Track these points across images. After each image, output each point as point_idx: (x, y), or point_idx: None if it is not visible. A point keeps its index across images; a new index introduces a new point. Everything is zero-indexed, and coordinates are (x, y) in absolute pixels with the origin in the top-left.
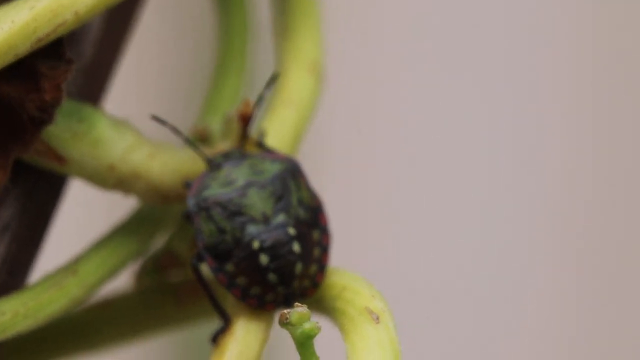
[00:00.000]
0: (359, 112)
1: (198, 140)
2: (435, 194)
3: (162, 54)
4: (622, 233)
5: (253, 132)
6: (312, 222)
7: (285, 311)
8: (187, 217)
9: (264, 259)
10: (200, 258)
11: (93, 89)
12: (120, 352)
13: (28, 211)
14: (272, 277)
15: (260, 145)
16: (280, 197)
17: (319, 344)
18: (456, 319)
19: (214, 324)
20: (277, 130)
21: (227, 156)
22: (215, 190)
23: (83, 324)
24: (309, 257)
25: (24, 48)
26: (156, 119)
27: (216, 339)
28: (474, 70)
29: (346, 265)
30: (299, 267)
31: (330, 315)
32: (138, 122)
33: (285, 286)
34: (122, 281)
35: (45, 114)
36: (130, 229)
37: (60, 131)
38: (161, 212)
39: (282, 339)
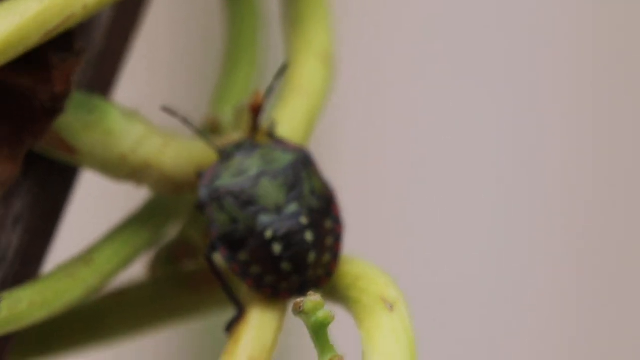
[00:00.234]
0: (370, 102)
1: (209, 130)
2: (448, 184)
3: (172, 45)
4: (622, 233)
5: (264, 122)
6: (324, 211)
7: (299, 300)
8: (200, 207)
9: (277, 248)
10: (213, 248)
11: (103, 79)
12: (136, 341)
13: (40, 202)
14: (285, 265)
15: (271, 135)
16: (292, 187)
17: (334, 333)
18: (465, 307)
19: (228, 313)
20: (288, 120)
21: (238, 146)
22: (227, 180)
23: (97, 313)
24: (322, 246)
25: (33, 40)
26: (167, 109)
27: (230, 327)
28: (485, 62)
29: (359, 254)
30: (312, 256)
31: (344, 303)
32: (148, 112)
33: (299, 275)
34: (136, 271)
35: (56, 105)
36: (143, 219)
37: (71, 122)
38: (174, 202)
39: (298, 325)
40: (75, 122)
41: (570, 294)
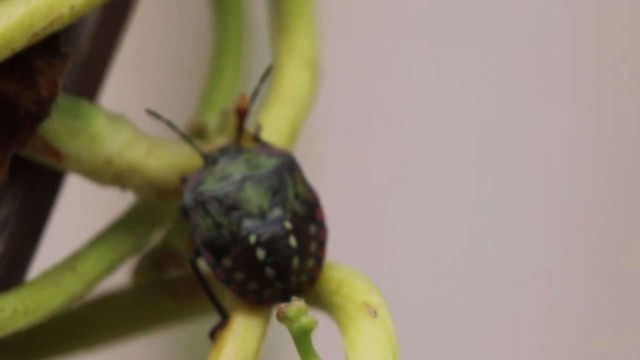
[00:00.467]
0: (355, 107)
1: (194, 135)
2: (431, 189)
3: (158, 49)
4: (622, 233)
5: (249, 126)
6: (308, 217)
7: (283, 305)
8: (184, 212)
9: (260, 253)
10: (198, 253)
11: (88, 83)
12: (120, 349)
13: (26, 207)
14: (269, 271)
15: (257, 139)
16: (276, 192)
17: (317, 339)
18: (449, 314)
19: (212, 319)
20: (273, 125)
21: (223, 151)
22: (212, 185)
23: (81, 320)
24: (306, 252)
25: (20, 43)
26: (152, 113)
27: (214, 334)
28: (471, 69)
29: (342, 260)
30: (295, 262)
31: (327, 310)
32: (134, 117)
33: (283, 281)
34: (120, 277)
35: (41, 110)
36: (128, 225)
37: (57, 127)
38: (158, 207)
39: (281, 334)
40: (61, 127)
41: (561, 296)
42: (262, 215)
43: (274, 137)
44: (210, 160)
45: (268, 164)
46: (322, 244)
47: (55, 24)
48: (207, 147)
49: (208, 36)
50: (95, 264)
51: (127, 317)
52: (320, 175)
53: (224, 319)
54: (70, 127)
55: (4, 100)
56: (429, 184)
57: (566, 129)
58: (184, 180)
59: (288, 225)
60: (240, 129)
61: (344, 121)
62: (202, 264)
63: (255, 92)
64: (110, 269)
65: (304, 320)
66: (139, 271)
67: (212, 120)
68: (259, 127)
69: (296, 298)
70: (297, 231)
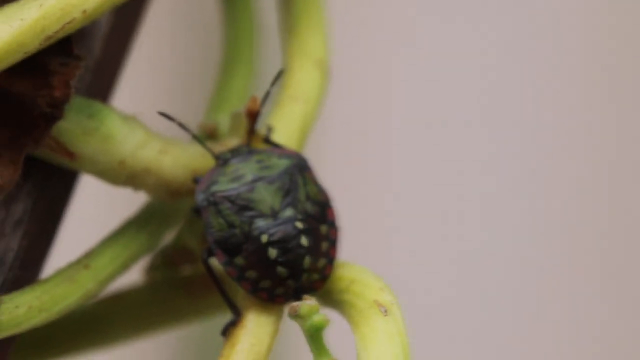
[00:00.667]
0: (365, 108)
1: (206, 136)
2: (442, 188)
3: (170, 51)
4: (623, 233)
5: (260, 128)
6: (320, 217)
7: (295, 304)
8: (197, 212)
9: (272, 252)
10: (210, 252)
11: (101, 85)
12: (133, 345)
13: (40, 206)
14: (281, 270)
15: (268, 141)
16: (288, 192)
17: (329, 337)
18: (459, 312)
19: (225, 317)
20: (284, 126)
21: (234, 152)
22: (224, 186)
23: (96, 317)
24: (318, 251)
25: (33, 46)
26: (164, 115)
27: (227, 331)
28: (478, 69)
29: (353, 259)
30: (307, 261)
31: (339, 308)
32: (146, 119)
33: (295, 279)
34: (133, 276)
35: (55, 110)
36: (141, 224)
37: (71, 127)
38: (171, 207)
39: (294, 331)
40: (75, 127)
41: (563, 297)
42: (274, 215)
43: (284, 138)
44: (222, 161)
45: (279, 164)
46: (333, 243)
47: (67, 27)
48: (218, 148)
49: (219, 38)
50: (109, 261)
51: (140, 314)
52: (330, 175)
53: (237, 317)
54: (84, 127)
55: (19, 100)
56: (440, 183)
57: (567, 129)
58: (196, 180)
59: (299, 225)
60: (251, 131)
61: (354, 120)
62: (215, 262)
63: (266, 95)
64: (124, 266)
65: (316, 318)
66: (152, 269)
67: (223, 121)
68: (269, 129)
69: (308, 296)
70: (309, 231)
